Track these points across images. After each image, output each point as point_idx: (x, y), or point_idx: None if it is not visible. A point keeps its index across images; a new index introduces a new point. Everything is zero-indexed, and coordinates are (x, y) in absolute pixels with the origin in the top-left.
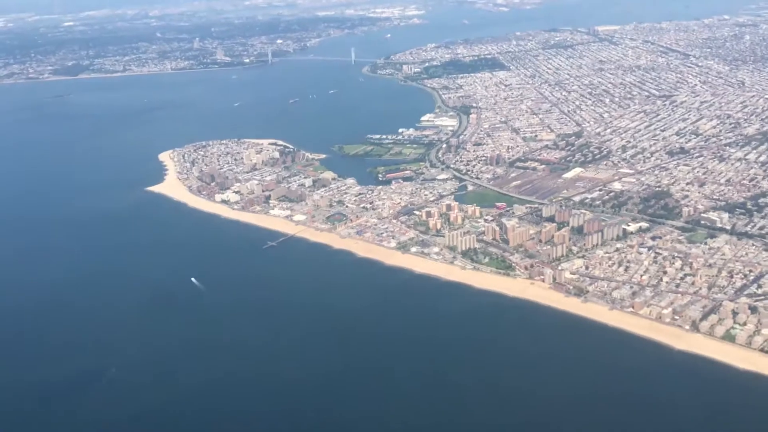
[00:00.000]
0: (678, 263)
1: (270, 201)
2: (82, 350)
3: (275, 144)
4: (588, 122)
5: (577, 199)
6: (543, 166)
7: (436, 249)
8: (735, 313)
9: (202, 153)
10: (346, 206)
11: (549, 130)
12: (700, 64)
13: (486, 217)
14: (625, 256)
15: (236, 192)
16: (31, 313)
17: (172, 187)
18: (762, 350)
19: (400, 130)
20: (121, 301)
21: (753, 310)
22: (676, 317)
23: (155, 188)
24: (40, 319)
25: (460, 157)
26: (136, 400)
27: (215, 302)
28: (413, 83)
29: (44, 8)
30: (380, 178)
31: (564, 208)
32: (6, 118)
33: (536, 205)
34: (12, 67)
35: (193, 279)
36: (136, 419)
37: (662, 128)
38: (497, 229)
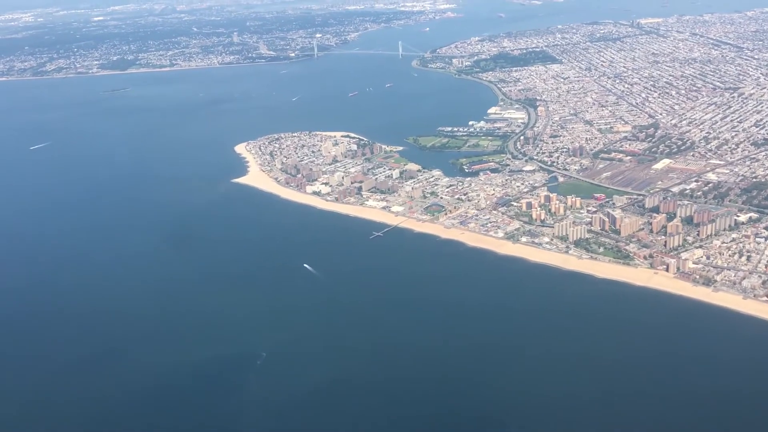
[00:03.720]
0: None
1: (362, 192)
2: (226, 334)
3: (348, 136)
4: (660, 114)
5: (675, 190)
6: (629, 157)
7: (546, 239)
8: None
9: (277, 145)
10: (441, 197)
11: (623, 122)
12: (756, 56)
13: (589, 208)
14: (744, 246)
15: (325, 183)
16: (170, 303)
17: (259, 179)
18: None
19: (471, 123)
20: (243, 289)
21: None
22: None
23: (242, 180)
24: (180, 308)
25: (541, 149)
26: (297, 381)
27: (335, 288)
28: (467, 77)
29: (69, 3)
30: (466, 170)
31: (669, 198)
32: (70, 112)
33: (635, 196)
34: (58, 62)
35: (306, 265)
36: (300, 398)
37: (738, 120)
38: (606, 219)
